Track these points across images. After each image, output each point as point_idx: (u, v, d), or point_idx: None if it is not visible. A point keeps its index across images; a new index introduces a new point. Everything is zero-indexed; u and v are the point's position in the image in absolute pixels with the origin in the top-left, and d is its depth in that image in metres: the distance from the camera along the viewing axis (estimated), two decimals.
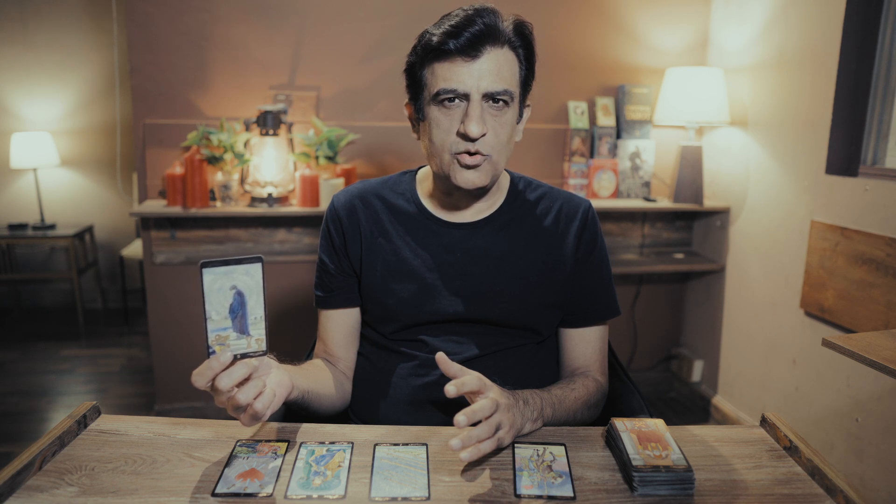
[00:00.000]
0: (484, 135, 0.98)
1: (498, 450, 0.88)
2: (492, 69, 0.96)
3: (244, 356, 0.80)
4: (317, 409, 1.07)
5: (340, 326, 1.17)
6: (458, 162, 1.00)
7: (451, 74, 0.96)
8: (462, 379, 0.84)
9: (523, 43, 1.01)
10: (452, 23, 0.96)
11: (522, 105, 1.06)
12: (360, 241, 1.13)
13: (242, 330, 0.79)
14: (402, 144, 2.58)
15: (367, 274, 1.12)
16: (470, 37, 0.94)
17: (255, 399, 0.80)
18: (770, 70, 2.35)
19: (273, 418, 1.08)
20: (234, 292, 0.77)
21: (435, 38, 0.96)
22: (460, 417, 0.80)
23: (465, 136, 0.98)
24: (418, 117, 1.05)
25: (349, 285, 1.15)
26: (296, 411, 1.05)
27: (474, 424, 0.82)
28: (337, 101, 2.53)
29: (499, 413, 0.85)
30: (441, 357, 0.86)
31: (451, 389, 0.82)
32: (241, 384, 0.80)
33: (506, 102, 0.99)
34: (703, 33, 2.71)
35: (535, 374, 1.14)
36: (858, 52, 2.01)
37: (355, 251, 1.13)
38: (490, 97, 0.98)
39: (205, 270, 0.75)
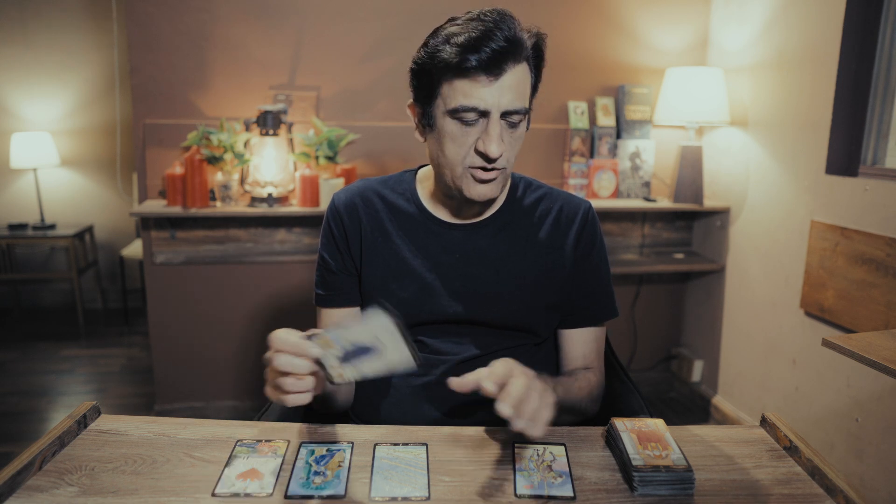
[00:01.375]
0: (502, 154, 0.97)
1: (502, 447, 0.87)
2: (512, 86, 0.95)
3: (321, 365, 0.80)
4: (331, 407, 1.09)
5: None
6: (473, 176, 0.99)
7: (473, 91, 0.94)
8: (490, 369, 0.81)
9: (536, 54, 1.00)
10: (472, 35, 0.92)
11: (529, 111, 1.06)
12: (360, 239, 1.12)
13: (344, 360, 0.79)
14: (402, 144, 2.58)
15: (367, 273, 1.12)
16: (492, 54, 0.91)
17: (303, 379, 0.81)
18: (770, 70, 2.35)
19: (272, 417, 1.09)
20: (371, 339, 0.78)
21: (455, 52, 0.92)
22: (488, 385, 0.78)
23: (483, 155, 0.97)
24: (425, 122, 1.03)
25: (350, 284, 1.15)
26: (313, 409, 1.07)
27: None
28: (337, 101, 2.53)
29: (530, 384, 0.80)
30: (454, 382, 0.82)
31: (489, 386, 0.79)
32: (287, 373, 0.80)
33: (521, 118, 0.99)
34: (703, 33, 2.71)
35: None
36: (858, 52, 2.01)
37: (356, 249, 1.13)
38: (508, 114, 0.96)
39: (383, 314, 0.76)
